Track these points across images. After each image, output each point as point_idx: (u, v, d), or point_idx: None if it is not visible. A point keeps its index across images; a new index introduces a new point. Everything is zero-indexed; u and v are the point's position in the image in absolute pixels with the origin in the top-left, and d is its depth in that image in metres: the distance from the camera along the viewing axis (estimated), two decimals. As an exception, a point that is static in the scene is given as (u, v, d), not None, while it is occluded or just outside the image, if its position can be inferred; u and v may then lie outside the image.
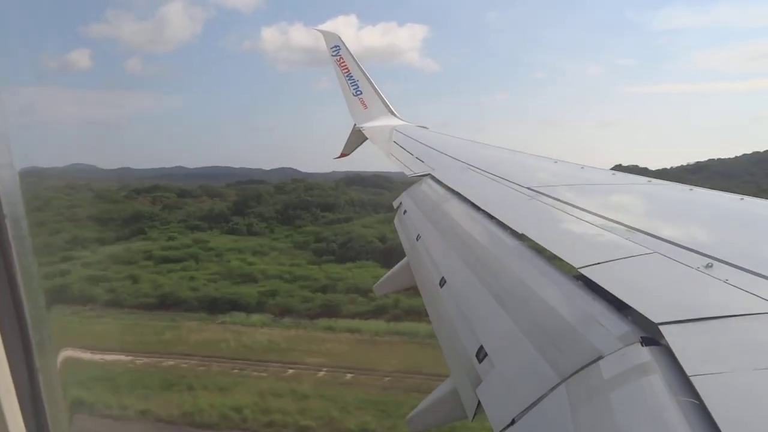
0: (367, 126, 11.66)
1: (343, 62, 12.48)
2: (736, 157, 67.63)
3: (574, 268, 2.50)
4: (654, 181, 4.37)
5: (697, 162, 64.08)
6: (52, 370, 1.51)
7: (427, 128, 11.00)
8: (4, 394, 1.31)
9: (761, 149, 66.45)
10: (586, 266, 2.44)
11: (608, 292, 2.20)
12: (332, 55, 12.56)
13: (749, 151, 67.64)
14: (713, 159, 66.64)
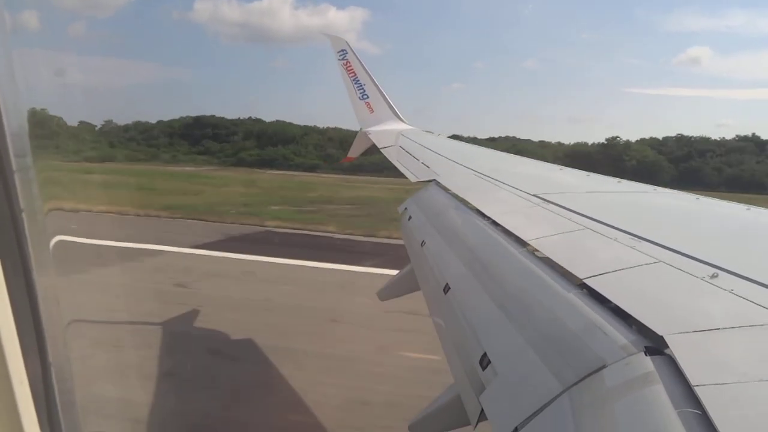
0: (374, 130, 11.69)
1: (350, 66, 12.53)
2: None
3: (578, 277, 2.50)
4: (659, 189, 4.37)
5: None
6: (64, 365, 1.53)
7: (433, 133, 11.03)
8: (18, 386, 1.33)
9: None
10: (591, 276, 2.44)
11: (612, 301, 2.20)
12: (339, 59, 12.62)
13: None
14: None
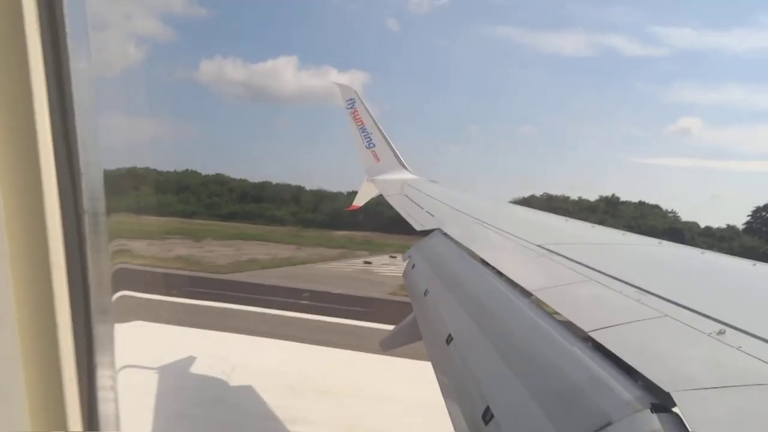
0: (379, 179, 11.81)
1: (358, 115, 12.78)
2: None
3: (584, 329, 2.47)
4: (665, 243, 4.36)
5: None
6: (109, 369, 1.53)
7: (438, 182, 11.13)
8: (68, 383, 1.34)
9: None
10: (596, 330, 2.42)
11: (618, 355, 2.17)
12: (347, 108, 12.89)
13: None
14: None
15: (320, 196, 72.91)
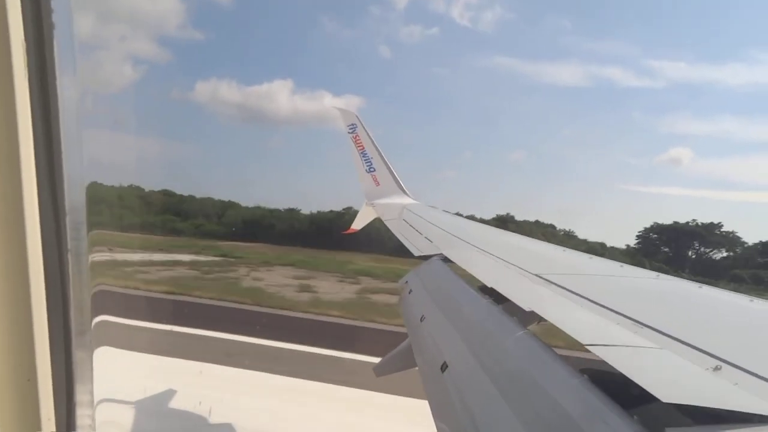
0: (378, 203, 11.84)
1: (359, 140, 12.90)
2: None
3: (580, 365, 2.45)
4: (662, 276, 4.35)
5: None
6: (87, 365, 1.52)
7: (437, 207, 11.15)
8: (42, 378, 1.32)
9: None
10: (589, 368, 2.39)
11: (614, 389, 2.14)
12: (349, 132, 13.01)
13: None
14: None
15: (227, 206, 69.52)
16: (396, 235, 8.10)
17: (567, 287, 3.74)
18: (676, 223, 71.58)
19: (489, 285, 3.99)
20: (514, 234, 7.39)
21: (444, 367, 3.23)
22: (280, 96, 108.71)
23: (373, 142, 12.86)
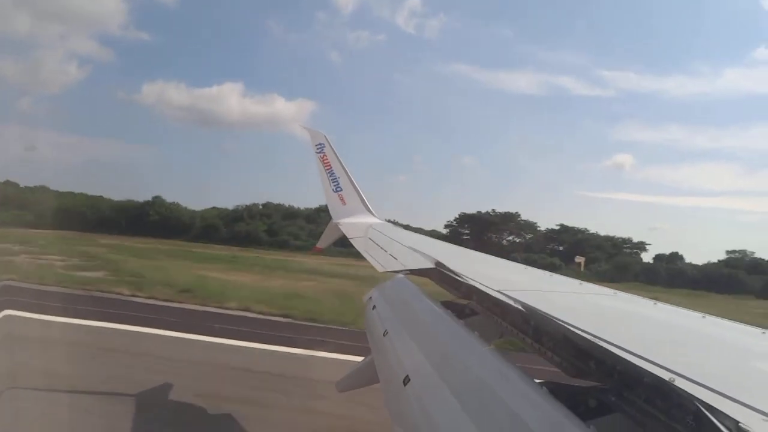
0: (345, 222, 11.82)
1: (326, 159, 12.91)
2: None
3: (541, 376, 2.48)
4: (619, 293, 4.46)
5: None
6: None
7: (396, 222, 11.20)
8: None
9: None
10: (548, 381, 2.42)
11: (572, 402, 2.17)
12: (316, 152, 13.01)
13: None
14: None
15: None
16: (361, 253, 8.09)
17: (529, 303, 3.79)
18: (478, 212, 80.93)
19: (451, 307, 4.00)
20: (476, 252, 7.50)
21: (406, 380, 3.21)
22: (231, 99, 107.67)
23: (340, 162, 12.89)
